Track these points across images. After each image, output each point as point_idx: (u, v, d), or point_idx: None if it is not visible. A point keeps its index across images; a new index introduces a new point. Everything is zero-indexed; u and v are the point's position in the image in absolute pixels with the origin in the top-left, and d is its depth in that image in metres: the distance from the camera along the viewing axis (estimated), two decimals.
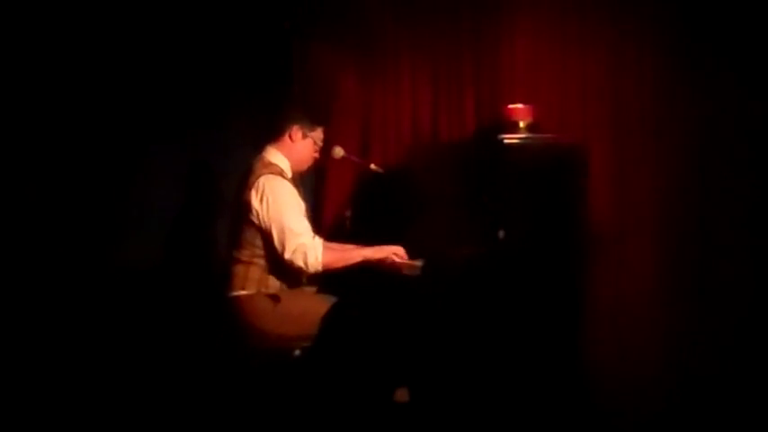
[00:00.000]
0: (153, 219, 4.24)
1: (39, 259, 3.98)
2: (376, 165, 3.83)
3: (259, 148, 3.56)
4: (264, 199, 3.35)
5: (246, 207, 3.38)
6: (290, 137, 3.50)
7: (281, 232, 3.33)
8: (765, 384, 3.17)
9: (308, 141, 3.52)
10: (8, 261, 3.91)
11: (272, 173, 3.41)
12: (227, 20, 4.39)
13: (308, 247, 3.32)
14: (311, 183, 4.10)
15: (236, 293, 3.42)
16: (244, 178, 3.45)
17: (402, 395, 3.54)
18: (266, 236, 3.37)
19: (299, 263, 3.33)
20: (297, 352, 3.41)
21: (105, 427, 3.57)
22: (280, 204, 3.35)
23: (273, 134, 3.52)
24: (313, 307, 3.44)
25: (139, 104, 4.24)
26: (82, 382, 3.84)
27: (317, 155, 3.60)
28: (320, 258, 3.33)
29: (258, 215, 3.36)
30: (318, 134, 3.55)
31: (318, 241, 3.37)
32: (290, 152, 3.51)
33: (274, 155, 3.49)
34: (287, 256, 3.33)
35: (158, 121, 4.28)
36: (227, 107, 4.47)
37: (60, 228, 4.05)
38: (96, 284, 4.09)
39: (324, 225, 3.76)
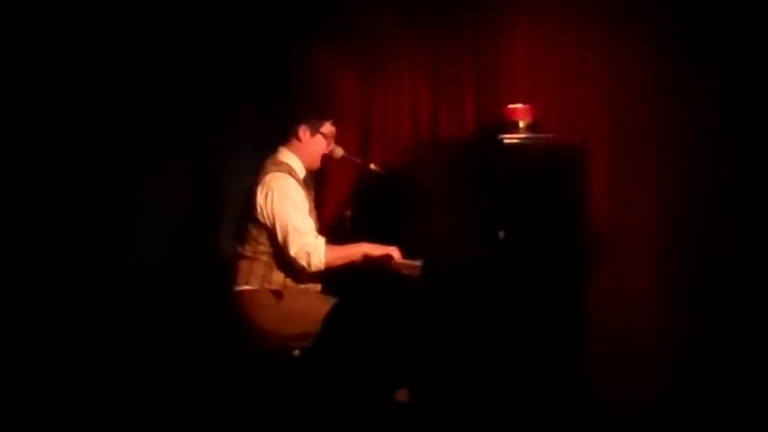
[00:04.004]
0: (154, 217, 4.24)
1: (39, 258, 3.98)
2: (376, 165, 3.83)
3: (259, 147, 3.59)
4: (269, 195, 3.39)
5: (252, 203, 3.41)
6: (299, 137, 3.53)
7: (285, 229, 3.37)
8: (766, 387, 3.17)
9: (317, 138, 3.56)
10: (10, 260, 3.91)
11: (280, 170, 3.44)
12: (228, 21, 4.40)
13: (311, 247, 3.37)
14: (311, 183, 4.10)
15: (239, 288, 3.44)
16: (256, 174, 3.48)
17: (402, 395, 3.55)
18: (270, 232, 3.39)
19: (302, 262, 3.38)
20: (296, 352, 3.41)
21: (107, 426, 3.57)
22: (283, 201, 3.38)
23: (283, 135, 3.55)
24: (314, 306, 3.45)
25: (141, 105, 4.24)
26: (83, 379, 3.84)
27: (329, 150, 3.61)
28: (323, 259, 3.37)
29: (262, 211, 3.39)
30: (327, 128, 3.57)
31: (321, 240, 3.40)
32: (301, 151, 3.54)
33: (286, 154, 3.54)
34: (291, 252, 3.35)
35: (159, 121, 4.29)
36: (227, 107, 4.47)
37: (61, 226, 4.05)
38: (97, 282, 4.09)
39: (324, 225, 3.76)
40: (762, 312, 3.18)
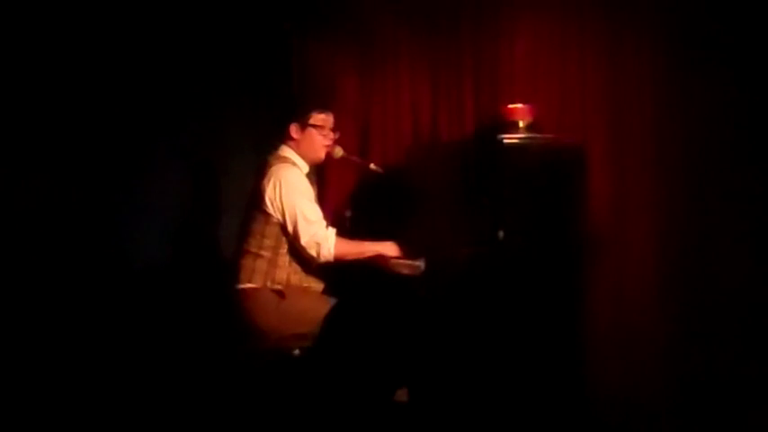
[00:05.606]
0: (154, 217, 4.24)
1: (41, 257, 3.99)
2: (376, 165, 3.84)
3: (259, 147, 3.60)
4: (277, 186, 3.41)
5: (259, 196, 3.44)
6: (292, 136, 3.54)
7: (294, 218, 3.40)
8: (766, 387, 3.17)
9: (309, 131, 3.56)
10: (11, 259, 3.91)
11: (285, 163, 3.46)
12: (228, 20, 4.39)
13: (321, 238, 3.39)
14: (313, 179, 4.11)
15: (242, 286, 3.45)
16: (259, 171, 3.49)
17: (402, 395, 3.55)
18: (278, 225, 3.40)
19: (312, 252, 3.40)
20: (296, 352, 3.42)
21: (107, 426, 3.57)
22: (292, 191, 3.41)
23: (282, 135, 3.56)
24: (315, 306, 3.46)
25: (141, 104, 4.24)
26: (84, 378, 3.85)
27: (329, 142, 3.61)
28: (332, 250, 3.40)
29: (272, 203, 3.41)
30: (316, 119, 3.56)
31: (332, 231, 3.42)
32: (299, 148, 3.56)
33: (287, 152, 3.56)
34: (302, 242, 3.39)
35: (160, 120, 4.29)
36: (227, 107, 4.47)
37: (62, 226, 4.05)
38: (97, 281, 4.09)
39: None
40: (762, 311, 3.18)
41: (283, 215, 3.41)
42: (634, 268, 3.47)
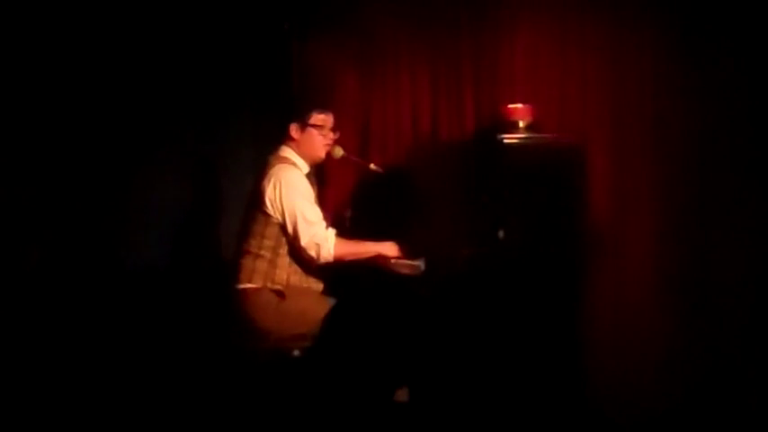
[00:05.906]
0: (154, 217, 4.24)
1: (41, 257, 3.99)
2: (376, 165, 3.84)
3: (259, 147, 3.61)
4: (277, 186, 3.42)
5: (260, 197, 3.44)
6: (292, 136, 3.55)
7: (294, 219, 3.40)
8: (766, 387, 3.17)
9: (309, 131, 3.56)
10: (10, 260, 3.92)
11: (285, 164, 3.46)
12: (228, 21, 4.40)
13: (321, 239, 3.40)
14: (314, 180, 4.10)
15: (242, 286, 3.45)
16: (260, 171, 3.49)
17: (402, 395, 3.56)
18: (278, 225, 3.41)
19: (312, 253, 3.41)
20: (296, 352, 3.42)
21: (107, 426, 3.57)
22: (291, 191, 3.42)
23: (282, 136, 3.57)
24: (314, 306, 3.47)
25: (141, 105, 4.25)
26: (84, 379, 3.85)
27: (329, 142, 3.61)
28: (332, 251, 3.40)
29: (272, 204, 3.42)
30: (316, 119, 3.57)
31: (331, 232, 3.43)
32: (299, 148, 3.57)
33: (287, 152, 3.57)
34: (302, 243, 3.39)
35: (160, 121, 4.29)
36: (227, 107, 4.47)
37: (62, 227, 4.05)
38: (97, 282, 4.09)
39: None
40: (761, 312, 3.18)
41: (283, 216, 3.42)
42: (634, 268, 3.48)
